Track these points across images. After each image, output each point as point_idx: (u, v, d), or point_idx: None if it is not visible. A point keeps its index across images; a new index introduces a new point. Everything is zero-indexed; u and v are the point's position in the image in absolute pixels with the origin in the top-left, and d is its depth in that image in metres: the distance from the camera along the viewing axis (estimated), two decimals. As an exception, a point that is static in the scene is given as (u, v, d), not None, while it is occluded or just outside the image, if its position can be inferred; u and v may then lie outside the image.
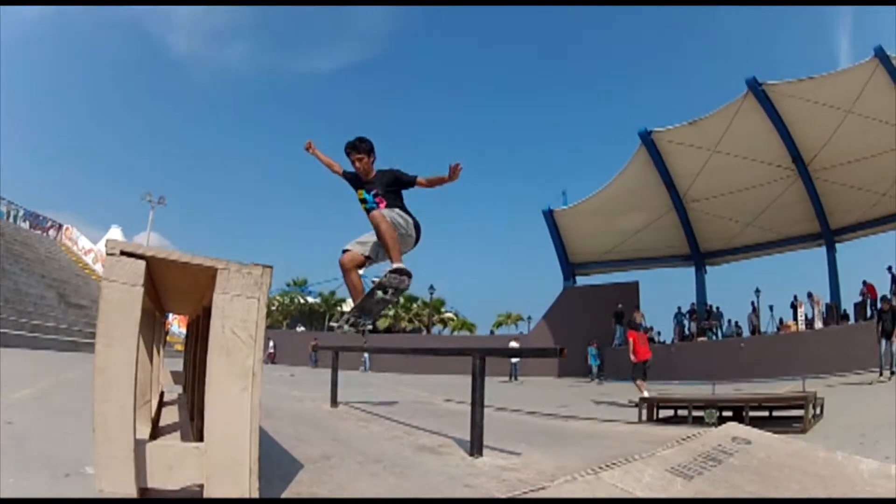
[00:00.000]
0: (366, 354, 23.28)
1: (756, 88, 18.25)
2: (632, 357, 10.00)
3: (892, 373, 10.87)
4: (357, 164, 3.69)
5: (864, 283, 18.04)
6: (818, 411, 6.96)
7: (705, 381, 10.96)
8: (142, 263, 1.44)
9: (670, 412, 7.53)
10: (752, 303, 20.27)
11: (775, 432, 5.84)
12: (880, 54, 15.91)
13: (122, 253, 1.44)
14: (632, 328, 10.87)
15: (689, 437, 2.74)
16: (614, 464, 2.03)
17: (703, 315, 21.00)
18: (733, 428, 2.93)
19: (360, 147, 3.68)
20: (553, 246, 24.97)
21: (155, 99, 79.78)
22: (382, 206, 3.56)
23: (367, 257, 3.62)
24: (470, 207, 79.07)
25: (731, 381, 13.58)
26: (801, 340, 13.58)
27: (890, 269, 16.44)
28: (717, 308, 21.42)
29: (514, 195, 77.08)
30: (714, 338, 20.02)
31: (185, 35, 79.66)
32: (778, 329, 18.75)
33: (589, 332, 20.75)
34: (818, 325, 15.35)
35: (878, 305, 16.90)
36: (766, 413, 7.04)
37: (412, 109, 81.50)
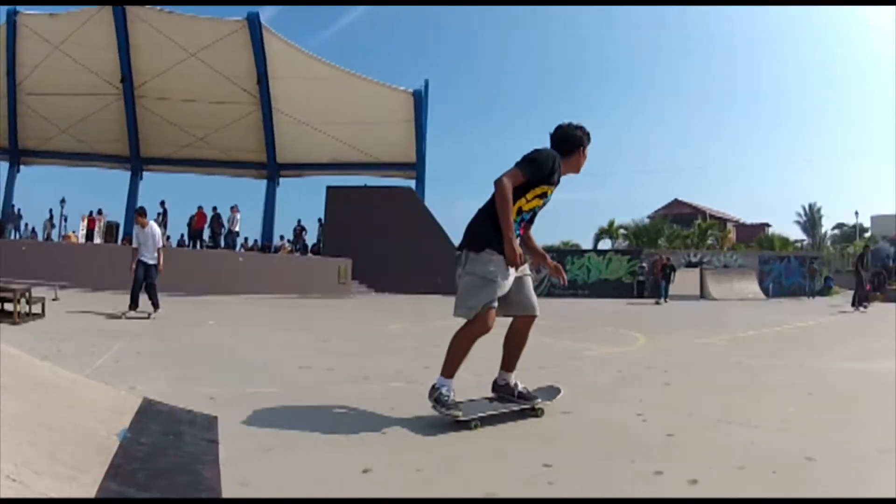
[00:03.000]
0: None
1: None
2: None
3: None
4: (582, 160, 2.86)
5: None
6: (38, 310, 7.09)
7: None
8: None
9: None
10: (51, 210, 20.66)
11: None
12: (252, 19, 18.53)
13: None
14: None
15: None
16: None
17: (6, 216, 19.77)
18: None
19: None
20: None
21: None
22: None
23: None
24: None
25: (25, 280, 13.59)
26: (81, 251, 14.87)
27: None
28: (19, 209, 20.78)
29: None
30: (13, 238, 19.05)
31: None
32: (63, 238, 19.65)
33: None
34: (97, 240, 17.51)
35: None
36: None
37: None
